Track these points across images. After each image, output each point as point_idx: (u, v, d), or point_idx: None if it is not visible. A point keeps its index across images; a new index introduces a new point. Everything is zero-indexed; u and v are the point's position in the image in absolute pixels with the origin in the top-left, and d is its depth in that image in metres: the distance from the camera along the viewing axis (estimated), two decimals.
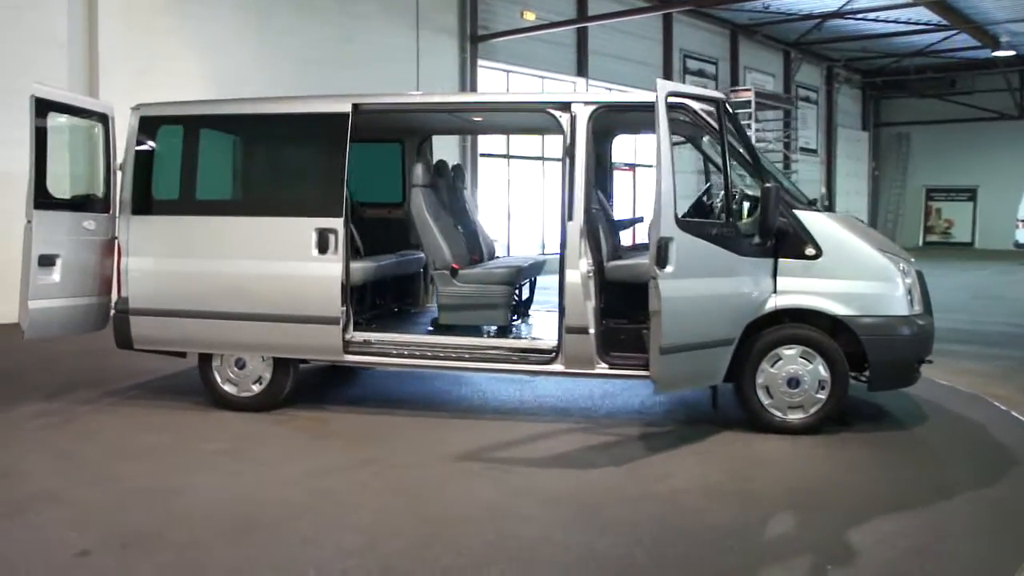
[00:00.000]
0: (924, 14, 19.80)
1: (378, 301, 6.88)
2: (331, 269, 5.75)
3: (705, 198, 6.63)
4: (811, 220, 5.45)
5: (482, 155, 17.20)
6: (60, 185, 6.05)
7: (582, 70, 18.88)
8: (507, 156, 18.12)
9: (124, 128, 6.13)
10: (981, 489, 4.50)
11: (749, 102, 19.98)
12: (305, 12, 13.66)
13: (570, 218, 5.55)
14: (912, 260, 5.78)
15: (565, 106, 5.64)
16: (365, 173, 7.40)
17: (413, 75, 15.40)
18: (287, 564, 3.60)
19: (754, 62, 23.70)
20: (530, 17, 17.38)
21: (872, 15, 20.47)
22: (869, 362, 5.43)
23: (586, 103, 5.62)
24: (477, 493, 4.46)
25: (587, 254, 5.55)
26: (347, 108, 5.83)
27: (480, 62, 16.82)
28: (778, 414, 5.47)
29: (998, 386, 6.97)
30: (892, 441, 5.46)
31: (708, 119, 5.49)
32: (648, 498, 4.35)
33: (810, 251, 5.40)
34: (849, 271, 5.43)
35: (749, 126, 21.25)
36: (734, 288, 5.27)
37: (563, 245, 5.58)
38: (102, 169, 6.19)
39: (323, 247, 5.76)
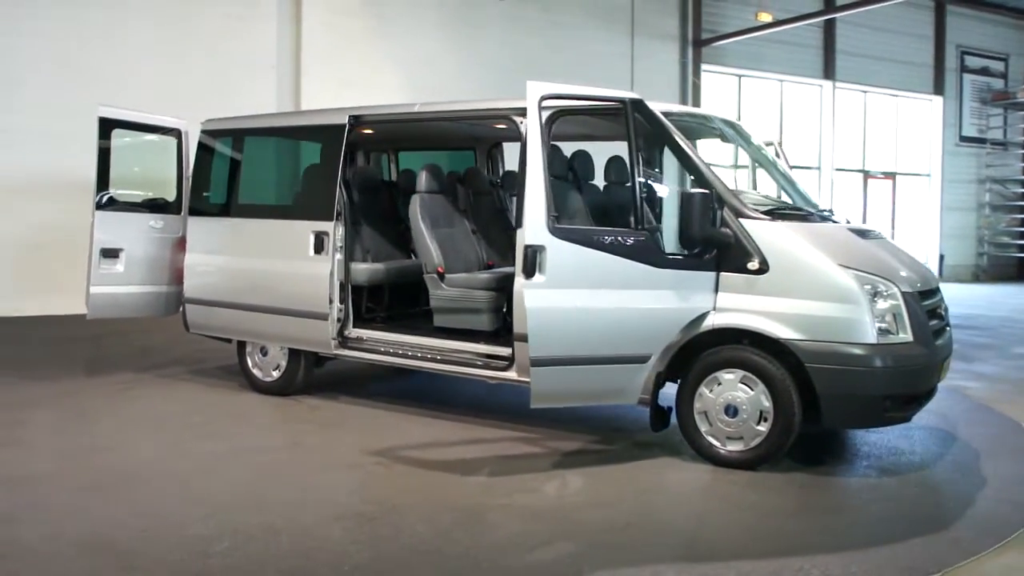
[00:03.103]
0: None
1: (406, 301, 7.19)
2: (323, 268, 6.21)
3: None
4: (760, 230, 4.88)
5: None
6: (137, 190, 7.18)
7: (828, 72, 17.58)
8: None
9: None
10: (829, 557, 3.82)
11: None
12: (511, 25, 14.27)
13: (518, 225, 5.48)
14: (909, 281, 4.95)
15: (523, 112, 5.58)
16: None
17: (626, 82, 15.38)
18: (89, 511, 4.16)
19: None
20: (765, 18, 16.51)
21: None
22: (817, 393, 4.76)
23: (543, 108, 5.49)
24: (325, 483, 4.69)
25: None
26: (344, 120, 6.27)
27: (705, 66, 16.37)
28: (716, 443, 4.99)
29: None
30: (841, 489, 4.75)
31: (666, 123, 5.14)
32: (460, 510, 4.26)
33: (753, 265, 4.86)
34: (799, 289, 4.79)
35: None
36: (646, 302, 4.88)
37: (516, 253, 5.54)
38: (175, 176, 7.19)
39: (319, 248, 6.25)
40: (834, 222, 5.60)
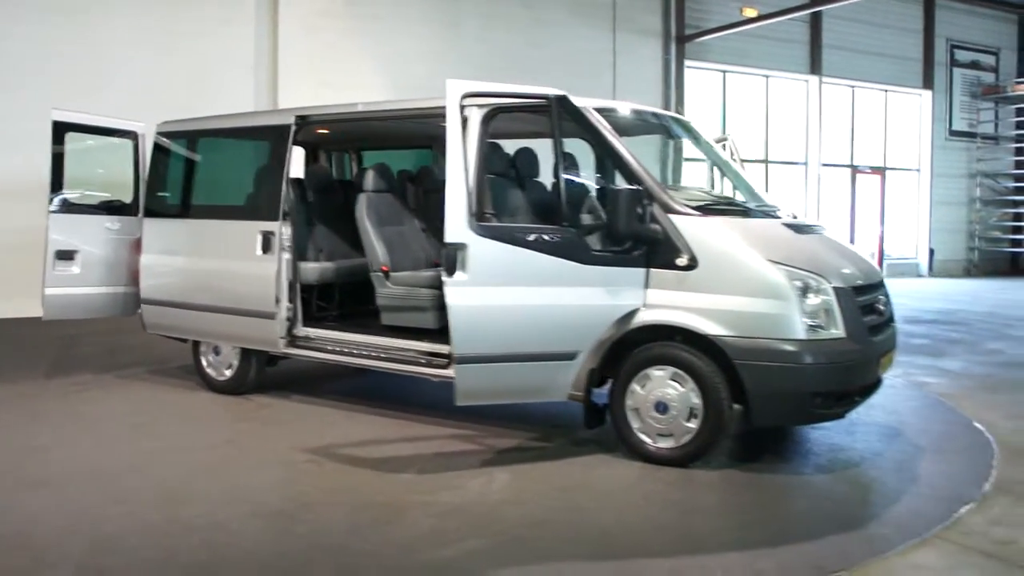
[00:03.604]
0: None
1: (360, 299, 7.19)
2: (269, 268, 6.23)
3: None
4: (689, 226, 4.86)
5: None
6: (96, 192, 7.22)
7: (815, 67, 17.50)
8: (765, 161, 17.47)
9: None
10: (737, 554, 3.81)
11: None
12: (491, 21, 14.22)
13: None
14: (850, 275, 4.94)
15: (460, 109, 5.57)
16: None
17: (609, 79, 15.34)
18: (16, 510, 4.21)
19: None
20: (750, 13, 16.42)
21: None
22: (745, 390, 4.75)
23: (479, 106, 5.51)
24: (252, 481, 4.71)
25: None
26: (290, 120, 6.28)
27: (689, 63, 16.30)
28: (648, 440, 4.98)
29: None
30: (769, 487, 4.69)
31: (594, 119, 5.14)
32: (380, 507, 4.29)
33: (682, 261, 4.84)
34: (727, 285, 4.77)
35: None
36: (572, 299, 4.87)
37: None
38: (132, 179, 7.22)
39: (266, 247, 6.26)
40: (775, 217, 5.57)
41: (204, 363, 6.89)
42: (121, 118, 7.29)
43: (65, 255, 6.88)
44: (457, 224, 4.72)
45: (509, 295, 4.80)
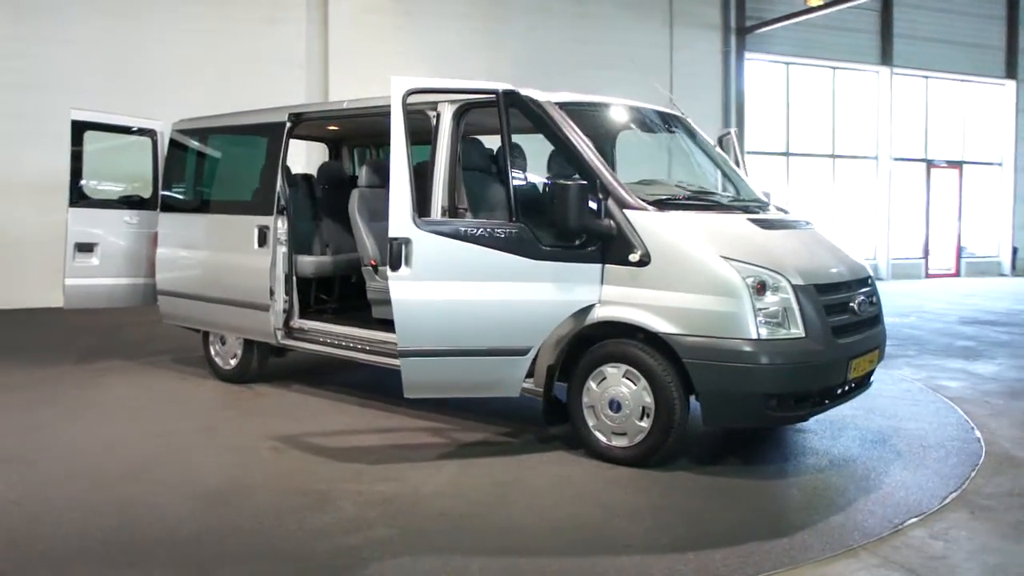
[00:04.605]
0: None
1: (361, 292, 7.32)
2: (264, 261, 6.43)
3: None
4: (644, 221, 4.78)
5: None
6: (114, 188, 7.58)
7: (886, 58, 16.82)
8: (832, 156, 17.03)
9: None
10: (639, 558, 3.76)
11: None
12: (539, 18, 14.24)
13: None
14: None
15: (433, 105, 5.65)
16: None
17: (665, 74, 15.13)
18: None
19: None
20: (815, 2, 15.90)
21: None
22: (695, 389, 4.67)
23: (451, 102, 5.56)
24: (210, 465, 4.91)
25: None
26: (284, 118, 6.46)
27: (750, 55, 15.95)
28: (602, 439, 4.95)
29: None
30: (716, 491, 4.55)
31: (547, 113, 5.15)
32: (313, 494, 4.39)
33: (635, 256, 4.78)
34: (679, 281, 4.68)
35: None
36: (521, 295, 4.84)
37: None
38: (151, 174, 7.55)
39: (262, 241, 6.47)
40: (751, 212, 5.41)
41: (212, 352, 7.17)
42: (142, 117, 7.64)
43: (85, 247, 7.26)
44: (400, 219, 4.77)
45: (454, 290, 4.82)
